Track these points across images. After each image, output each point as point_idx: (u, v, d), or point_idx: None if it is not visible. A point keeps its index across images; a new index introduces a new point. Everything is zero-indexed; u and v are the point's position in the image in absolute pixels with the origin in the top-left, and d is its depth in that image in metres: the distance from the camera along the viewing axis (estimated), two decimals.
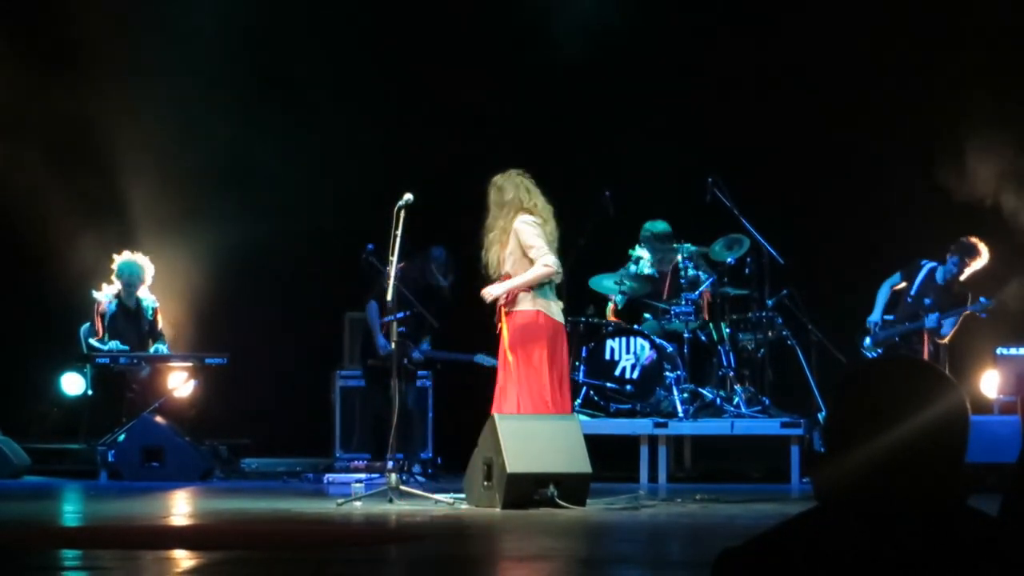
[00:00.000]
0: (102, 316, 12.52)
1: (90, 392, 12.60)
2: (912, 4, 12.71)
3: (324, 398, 13.09)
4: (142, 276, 12.57)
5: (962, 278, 12.00)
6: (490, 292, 9.48)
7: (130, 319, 12.61)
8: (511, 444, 8.76)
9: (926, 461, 2.13)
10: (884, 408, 2.14)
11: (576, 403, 11.23)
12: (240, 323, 13.34)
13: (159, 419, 12.04)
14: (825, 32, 12.75)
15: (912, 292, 12.13)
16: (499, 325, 9.52)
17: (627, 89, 13.55)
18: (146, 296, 12.68)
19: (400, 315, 10.12)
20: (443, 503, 9.09)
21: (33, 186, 13.09)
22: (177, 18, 13.58)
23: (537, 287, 9.41)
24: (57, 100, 13.16)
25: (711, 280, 12.04)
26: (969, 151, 12.30)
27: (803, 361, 11.90)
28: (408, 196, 9.45)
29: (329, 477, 11.64)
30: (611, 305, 12.26)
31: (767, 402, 11.90)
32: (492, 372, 10.11)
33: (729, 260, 11.97)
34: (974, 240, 11.92)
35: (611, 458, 11.13)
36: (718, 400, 11.84)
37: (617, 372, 11.92)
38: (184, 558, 6.67)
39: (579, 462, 8.96)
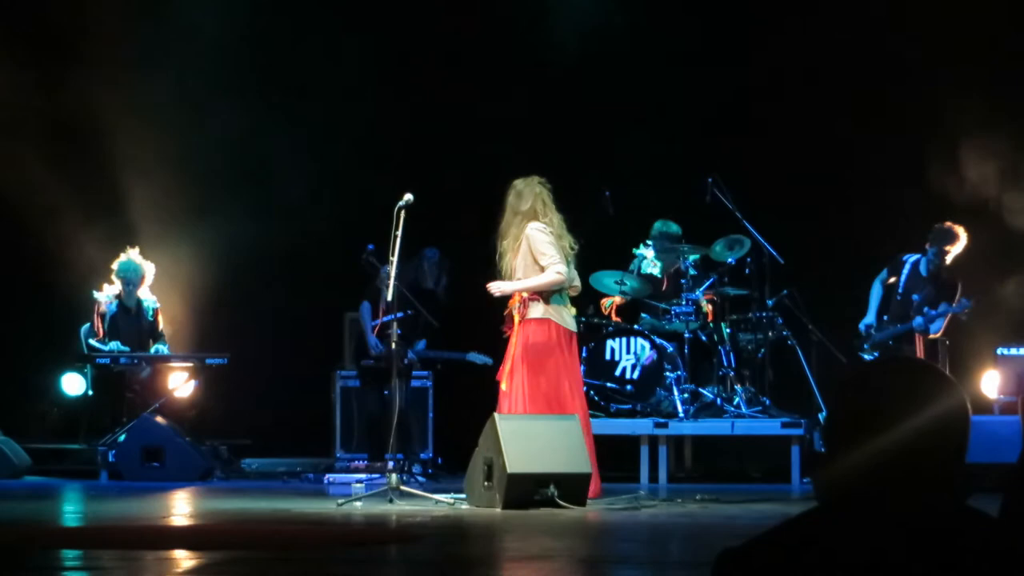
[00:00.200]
0: (102, 316, 12.52)
1: (90, 392, 12.60)
2: (912, 4, 12.70)
3: (324, 398, 13.08)
4: (142, 276, 12.56)
5: (947, 264, 11.77)
6: (498, 287, 9.49)
7: (130, 319, 12.61)
8: (511, 444, 8.77)
9: (927, 461, 2.13)
10: (885, 408, 2.14)
11: None
12: (240, 323, 13.34)
13: (159, 419, 12.04)
14: (825, 32, 12.75)
15: (900, 289, 11.98)
16: (508, 331, 9.52)
17: (627, 89, 13.55)
18: (146, 296, 12.67)
19: (399, 315, 10.12)
20: (443, 503, 9.09)
21: (34, 186, 13.08)
22: (178, 17, 13.57)
23: (549, 295, 9.43)
24: (57, 100, 13.17)
25: (711, 281, 12.04)
26: (968, 150, 12.29)
27: (803, 361, 11.89)
28: (408, 196, 9.45)
29: (329, 477, 11.64)
30: (611, 303, 12.24)
31: (767, 402, 11.89)
32: (490, 371, 10.10)
33: (730, 260, 11.96)
34: (948, 225, 11.68)
35: (611, 458, 11.12)
36: (718, 400, 11.84)
37: (617, 372, 11.93)
38: (184, 558, 6.66)
39: (579, 462, 8.97)
